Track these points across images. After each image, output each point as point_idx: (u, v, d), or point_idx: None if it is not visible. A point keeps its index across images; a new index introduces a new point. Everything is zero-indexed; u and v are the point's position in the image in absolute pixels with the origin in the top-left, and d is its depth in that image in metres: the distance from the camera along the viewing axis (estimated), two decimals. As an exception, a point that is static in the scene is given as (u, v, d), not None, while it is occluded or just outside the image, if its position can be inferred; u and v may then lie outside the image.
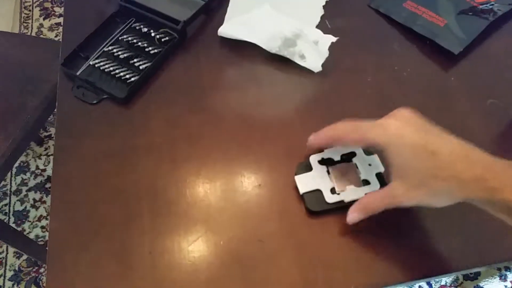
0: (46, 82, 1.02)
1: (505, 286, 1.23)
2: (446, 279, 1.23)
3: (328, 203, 0.49)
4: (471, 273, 1.24)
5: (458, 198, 0.40)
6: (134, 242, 0.48)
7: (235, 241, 0.48)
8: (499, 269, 1.25)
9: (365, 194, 0.48)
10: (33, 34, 1.76)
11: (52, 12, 1.82)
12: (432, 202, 0.42)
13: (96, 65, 0.60)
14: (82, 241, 0.49)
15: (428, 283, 1.23)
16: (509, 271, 1.25)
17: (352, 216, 0.46)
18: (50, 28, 1.77)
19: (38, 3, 1.86)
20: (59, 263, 0.47)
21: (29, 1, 1.86)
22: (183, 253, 0.47)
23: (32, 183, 1.43)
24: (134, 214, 0.50)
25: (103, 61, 0.60)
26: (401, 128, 0.42)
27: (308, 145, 0.49)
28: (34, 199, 1.39)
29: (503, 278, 1.24)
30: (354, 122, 0.46)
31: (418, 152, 0.40)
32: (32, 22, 1.80)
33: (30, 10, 1.83)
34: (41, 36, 1.75)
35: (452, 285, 1.23)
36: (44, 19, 1.80)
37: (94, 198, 0.51)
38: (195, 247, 0.48)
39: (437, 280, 1.23)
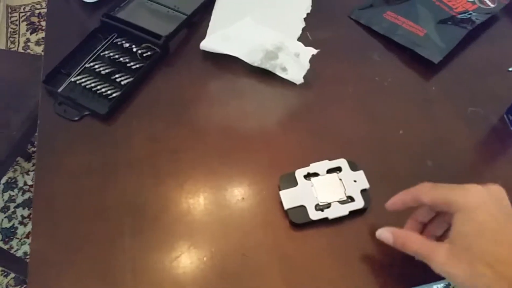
0: (31, 98, 1.02)
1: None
2: (438, 285, 1.23)
3: (312, 220, 0.48)
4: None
5: None
6: (117, 259, 0.48)
7: (218, 256, 0.48)
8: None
9: (349, 211, 0.49)
10: (20, 48, 1.75)
11: (39, 27, 1.82)
12: (460, 285, 0.38)
13: (78, 82, 0.59)
14: (64, 260, 0.48)
15: (420, 290, 1.23)
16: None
17: (384, 236, 0.45)
18: (37, 43, 1.77)
19: (25, 17, 1.86)
20: (41, 283, 0.47)
21: (16, 16, 1.86)
22: (166, 270, 0.47)
23: (20, 199, 1.41)
24: (116, 231, 0.49)
25: (85, 77, 0.60)
26: (484, 201, 0.39)
27: (388, 208, 0.46)
28: (22, 216, 1.38)
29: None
30: (434, 183, 0.43)
31: (485, 234, 0.38)
32: (18, 37, 1.79)
33: (16, 25, 1.83)
34: (28, 50, 1.75)
35: (444, 290, 1.23)
36: (31, 33, 1.80)
37: (76, 216, 0.51)
38: (178, 264, 0.47)
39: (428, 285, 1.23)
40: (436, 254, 0.40)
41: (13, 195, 1.42)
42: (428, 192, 0.42)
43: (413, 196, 0.44)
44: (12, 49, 1.74)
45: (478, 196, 0.39)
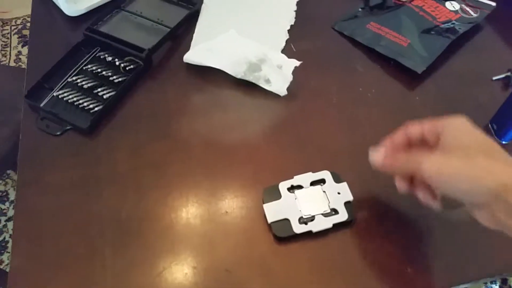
0: (19, 111, 1.01)
1: (491, 298, 1.23)
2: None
3: (296, 234, 0.48)
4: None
5: (491, 186, 0.36)
6: (98, 276, 0.47)
7: (201, 272, 0.47)
8: (485, 282, 1.25)
9: (333, 224, 0.48)
10: (12, 61, 1.75)
11: (31, 39, 1.82)
12: (459, 184, 0.38)
13: (60, 96, 0.59)
14: (45, 277, 0.47)
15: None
16: (495, 284, 1.25)
17: (374, 158, 0.45)
18: (29, 55, 1.77)
19: (16, 30, 1.85)
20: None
21: (7, 29, 1.86)
22: (148, 287, 0.46)
23: (11, 212, 1.39)
24: (97, 247, 0.49)
25: (67, 91, 0.60)
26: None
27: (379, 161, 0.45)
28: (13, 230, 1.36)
29: (489, 290, 1.24)
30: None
31: (477, 133, 0.40)
32: (10, 50, 1.79)
33: (8, 38, 1.83)
34: (20, 63, 1.74)
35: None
36: (22, 46, 1.80)
37: (57, 232, 0.50)
38: (160, 280, 0.47)
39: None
40: (427, 158, 0.40)
41: (4, 209, 1.40)
42: (416, 124, 0.45)
43: (401, 131, 0.46)
44: (3, 62, 1.74)
45: (461, 117, 0.42)
